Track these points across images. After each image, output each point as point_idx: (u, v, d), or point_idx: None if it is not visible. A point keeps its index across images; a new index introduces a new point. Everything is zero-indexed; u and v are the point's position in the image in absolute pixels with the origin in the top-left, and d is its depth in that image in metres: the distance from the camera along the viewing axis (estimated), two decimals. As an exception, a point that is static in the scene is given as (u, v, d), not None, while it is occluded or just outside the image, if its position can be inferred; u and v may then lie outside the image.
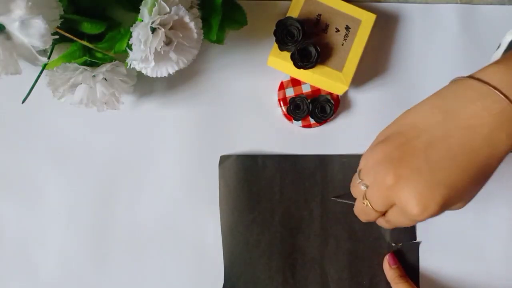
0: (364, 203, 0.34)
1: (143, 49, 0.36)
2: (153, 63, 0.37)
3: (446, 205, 0.30)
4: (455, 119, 0.29)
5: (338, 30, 0.46)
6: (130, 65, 0.39)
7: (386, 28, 0.50)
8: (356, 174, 0.36)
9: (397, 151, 0.31)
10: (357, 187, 0.35)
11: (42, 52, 0.40)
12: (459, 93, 0.30)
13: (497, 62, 0.30)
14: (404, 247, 0.48)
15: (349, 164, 0.48)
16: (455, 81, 0.31)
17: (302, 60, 0.44)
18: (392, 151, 0.31)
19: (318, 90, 0.48)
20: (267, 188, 0.48)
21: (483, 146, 0.29)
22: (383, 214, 0.35)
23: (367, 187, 0.34)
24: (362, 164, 0.35)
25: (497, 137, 0.29)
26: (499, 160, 0.30)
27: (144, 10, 0.36)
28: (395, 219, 0.34)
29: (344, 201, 0.47)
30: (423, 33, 0.50)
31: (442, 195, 0.30)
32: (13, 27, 0.32)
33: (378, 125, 0.49)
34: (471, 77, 0.30)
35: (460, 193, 0.31)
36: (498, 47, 0.36)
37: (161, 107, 0.49)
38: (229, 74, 0.49)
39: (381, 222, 0.37)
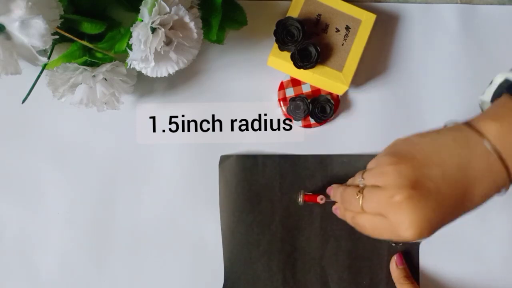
0: (357, 196, 0.35)
1: (143, 49, 0.36)
2: (153, 63, 0.37)
3: (430, 234, 0.33)
4: (466, 168, 0.32)
5: (338, 30, 0.46)
6: (130, 65, 0.39)
7: (386, 28, 0.50)
8: (360, 172, 0.37)
9: (411, 173, 0.33)
10: (357, 177, 0.37)
11: (42, 52, 0.41)
12: (470, 142, 0.33)
13: (493, 117, 0.33)
14: (404, 247, 0.48)
15: (349, 164, 0.48)
16: (462, 129, 0.34)
17: (302, 60, 0.44)
18: (406, 171, 0.33)
19: (318, 90, 0.48)
20: (267, 188, 0.48)
21: (482, 193, 0.32)
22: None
23: (364, 185, 0.35)
24: (372, 165, 0.36)
25: (493, 186, 0.32)
26: (484, 202, 0.33)
27: (144, 10, 0.36)
28: (372, 226, 0.35)
29: None
30: (423, 33, 0.50)
31: (436, 226, 0.33)
32: (13, 27, 0.32)
33: (378, 125, 0.50)
34: (475, 129, 0.33)
35: (444, 225, 0.33)
36: (491, 83, 0.37)
37: (161, 107, 0.49)
38: (229, 74, 0.49)
39: (348, 218, 0.38)
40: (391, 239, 0.34)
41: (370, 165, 0.37)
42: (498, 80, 0.36)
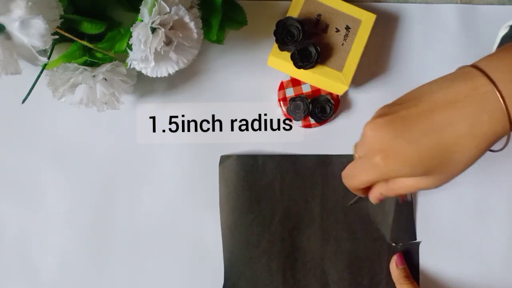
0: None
1: (143, 49, 0.36)
2: (153, 63, 0.37)
3: (405, 166, 0.31)
4: (444, 93, 0.31)
5: (338, 30, 0.46)
6: (130, 65, 0.39)
7: (386, 28, 0.50)
8: None
9: (387, 107, 0.34)
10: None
11: (42, 52, 0.41)
12: (459, 76, 0.32)
13: (495, 53, 0.32)
14: (404, 247, 0.48)
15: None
16: (461, 68, 0.33)
17: (302, 60, 0.44)
18: (384, 108, 0.34)
19: (318, 90, 0.48)
20: (267, 188, 0.48)
21: (465, 122, 0.30)
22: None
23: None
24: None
25: (481, 116, 0.30)
26: (479, 141, 0.30)
27: (144, 10, 0.36)
28: (356, 165, 0.35)
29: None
30: (423, 33, 0.50)
31: (404, 155, 0.31)
32: (13, 27, 0.32)
33: (378, 125, 0.49)
34: (474, 65, 0.32)
35: (421, 164, 0.31)
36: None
37: (161, 107, 0.49)
38: (229, 74, 0.49)
39: (376, 189, 0.37)
40: (378, 176, 0.33)
41: None
42: (503, 31, 0.36)
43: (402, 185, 0.34)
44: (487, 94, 0.29)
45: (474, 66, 0.32)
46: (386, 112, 0.33)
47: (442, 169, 0.31)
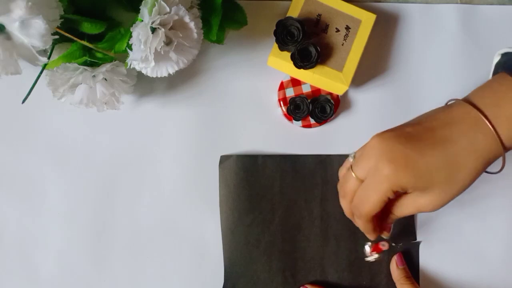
0: (350, 169, 0.37)
1: (143, 49, 0.36)
2: (153, 63, 0.37)
3: (413, 174, 0.33)
4: (441, 116, 0.35)
5: (338, 30, 0.46)
6: (130, 65, 0.39)
7: (386, 28, 0.50)
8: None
9: (393, 131, 0.36)
10: (346, 161, 0.39)
11: (42, 52, 0.40)
12: (452, 106, 0.36)
13: (482, 85, 0.36)
14: (404, 247, 0.48)
15: (349, 164, 0.48)
16: (451, 101, 0.37)
17: (302, 60, 0.44)
18: (385, 132, 0.36)
19: (318, 90, 0.48)
20: (267, 188, 0.48)
21: (463, 139, 0.33)
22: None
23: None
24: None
25: (476, 135, 0.33)
26: (477, 160, 0.33)
27: (144, 10, 0.36)
28: (364, 188, 0.36)
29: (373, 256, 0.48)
30: (423, 33, 0.50)
31: (412, 162, 0.33)
32: (13, 27, 0.32)
33: (378, 125, 0.49)
34: (463, 99, 0.36)
35: (428, 173, 0.33)
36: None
37: (161, 107, 0.49)
38: (229, 74, 0.49)
39: (349, 204, 0.39)
40: (389, 189, 0.34)
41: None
42: (496, 58, 0.39)
43: (407, 204, 0.36)
44: (477, 117, 0.33)
45: (463, 98, 0.36)
46: (391, 129, 0.35)
47: (446, 184, 0.34)
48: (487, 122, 0.33)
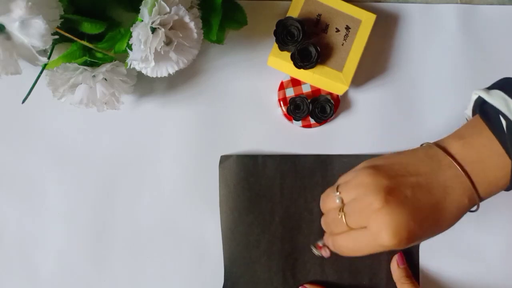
0: (339, 216, 0.36)
1: (143, 49, 0.36)
2: (153, 63, 0.37)
3: (411, 243, 0.34)
4: (437, 177, 0.35)
5: (338, 30, 0.46)
6: (130, 65, 0.39)
7: (386, 28, 0.50)
8: (333, 187, 0.38)
9: (388, 181, 0.34)
10: (332, 199, 0.37)
11: (42, 52, 0.40)
12: (440, 159, 0.36)
13: (458, 136, 0.37)
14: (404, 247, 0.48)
15: (349, 164, 0.48)
16: (431, 147, 0.37)
17: (302, 60, 0.44)
18: (383, 180, 0.34)
19: (318, 90, 0.48)
20: (267, 188, 0.48)
21: (454, 202, 0.35)
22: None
23: (342, 202, 0.36)
24: (343, 180, 0.38)
25: (464, 199, 0.35)
26: (460, 216, 0.35)
27: (144, 10, 0.36)
28: (353, 241, 0.35)
29: None
30: (423, 33, 0.50)
31: (415, 234, 0.33)
32: (13, 27, 0.32)
33: (378, 125, 0.50)
34: (443, 148, 0.36)
35: (421, 238, 0.34)
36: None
37: (161, 107, 0.49)
38: (229, 74, 0.49)
39: (329, 244, 0.39)
40: (370, 252, 0.35)
41: (342, 179, 0.38)
42: (473, 97, 0.39)
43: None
44: (467, 185, 0.35)
45: (443, 147, 0.36)
46: (389, 187, 0.34)
47: (426, 237, 0.35)
48: (474, 191, 0.35)
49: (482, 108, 0.37)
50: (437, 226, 0.35)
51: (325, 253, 0.43)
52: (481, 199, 0.35)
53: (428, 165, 0.35)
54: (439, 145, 0.36)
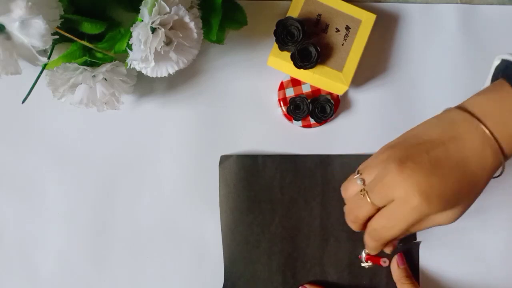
0: (362, 194, 0.36)
1: (143, 49, 0.36)
2: (153, 63, 0.37)
3: (442, 201, 0.33)
4: (452, 133, 0.35)
5: (338, 30, 0.46)
6: (130, 65, 0.39)
7: (386, 28, 0.50)
8: (354, 173, 0.38)
9: (402, 152, 0.35)
10: (354, 182, 0.38)
11: (42, 52, 0.40)
12: (453, 117, 0.36)
13: (480, 94, 0.36)
14: (405, 247, 0.48)
15: (349, 164, 0.48)
16: (448, 110, 0.37)
17: (302, 60, 0.44)
18: (397, 152, 0.35)
19: (318, 90, 0.48)
20: (267, 188, 0.48)
21: (475, 155, 0.34)
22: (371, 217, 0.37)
23: (364, 183, 0.37)
24: (363, 165, 0.38)
25: (485, 150, 0.34)
26: (488, 174, 0.35)
27: (144, 10, 0.36)
28: (389, 216, 0.35)
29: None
30: (423, 33, 0.50)
31: (440, 191, 0.33)
32: (13, 27, 0.32)
33: (378, 125, 0.50)
34: (459, 107, 0.36)
35: (453, 197, 0.34)
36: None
37: (161, 107, 0.49)
38: (229, 74, 0.49)
39: (366, 237, 0.39)
40: (410, 224, 0.34)
41: (362, 164, 0.38)
42: (495, 62, 0.38)
43: (425, 223, 0.36)
44: (484, 132, 0.34)
45: (462, 107, 0.36)
46: (405, 155, 0.34)
47: (465, 201, 0.35)
48: (495, 141, 0.34)
49: (505, 71, 0.37)
50: (466, 179, 0.34)
51: (384, 263, 0.46)
52: (505, 155, 0.35)
53: (439, 126, 0.35)
54: (457, 106, 0.36)
